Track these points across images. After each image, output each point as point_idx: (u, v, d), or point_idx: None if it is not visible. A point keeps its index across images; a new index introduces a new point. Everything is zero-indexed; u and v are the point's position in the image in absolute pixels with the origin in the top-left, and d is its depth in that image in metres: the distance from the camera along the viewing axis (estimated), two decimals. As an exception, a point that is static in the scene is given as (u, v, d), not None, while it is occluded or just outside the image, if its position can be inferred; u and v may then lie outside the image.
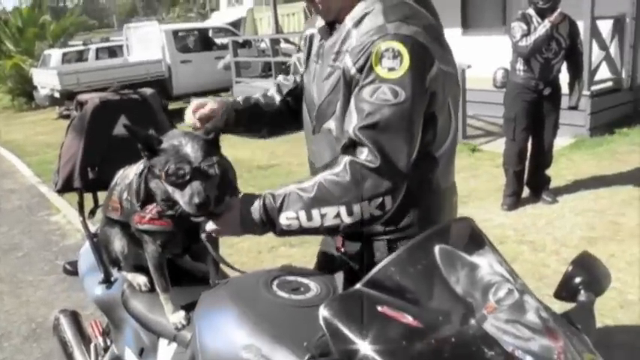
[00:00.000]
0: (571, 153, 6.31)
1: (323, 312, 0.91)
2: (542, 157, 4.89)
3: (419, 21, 1.30)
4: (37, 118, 13.84)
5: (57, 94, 12.27)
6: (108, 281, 1.83)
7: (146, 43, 12.51)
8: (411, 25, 1.27)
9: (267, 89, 1.72)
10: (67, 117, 13.17)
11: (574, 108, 4.94)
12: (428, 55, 1.27)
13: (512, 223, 4.47)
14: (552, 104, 4.74)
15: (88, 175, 1.99)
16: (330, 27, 1.45)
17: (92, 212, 2.11)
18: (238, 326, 1.16)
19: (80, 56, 15.29)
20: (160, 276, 1.57)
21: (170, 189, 1.33)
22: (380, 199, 1.25)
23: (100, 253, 1.86)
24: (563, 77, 4.81)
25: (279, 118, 1.71)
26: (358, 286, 0.92)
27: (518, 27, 4.56)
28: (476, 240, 1.02)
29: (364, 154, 1.25)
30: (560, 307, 1.24)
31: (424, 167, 1.39)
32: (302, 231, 1.31)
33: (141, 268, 1.70)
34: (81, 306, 3.62)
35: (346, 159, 1.27)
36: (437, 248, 0.95)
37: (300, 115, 1.62)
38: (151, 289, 1.66)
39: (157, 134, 1.36)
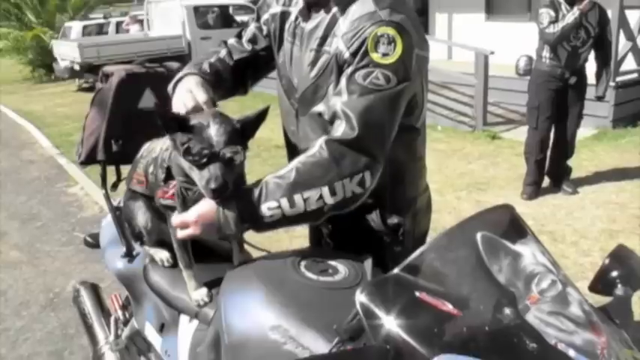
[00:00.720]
0: (593, 144, 6.22)
1: (359, 296, 0.88)
2: (565, 146, 4.81)
3: (403, 8, 1.35)
4: (57, 90, 13.88)
5: (77, 67, 12.31)
6: (130, 255, 1.82)
7: (167, 19, 12.49)
8: (400, 13, 1.32)
9: (217, 51, 1.66)
10: (86, 89, 13.24)
11: (600, 98, 4.84)
12: (411, 42, 1.32)
13: (531, 213, 4.41)
14: (577, 94, 4.66)
15: (112, 148, 1.97)
16: (309, 9, 1.45)
17: (114, 185, 2.09)
18: (266, 306, 1.14)
19: (100, 29, 15.31)
20: (183, 252, 1.54)
21: (187, 166, 1.30)
22: (360, 175, 1.28)
23: (123, 226, 1.85)
24: (590, 66, 4.70)
25: (231, 83, 1.67)
26: (396, 270, 0.90)
27: (546, 13, 4.46)
28: (518, 228, 0.99)
29: (341, 129, 1.28)
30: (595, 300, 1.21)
31: (409, 138, 1.50)
32: (285, 220, 1.28)
33: (163, 243, 1.68)
34: (98, 278, 3.64)
35: (321, 140, 1.30)
36: (479, 235, 0.92)
37: (242, 81, 1.68)
38: (173, 265, 1.65)
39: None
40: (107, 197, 2.02)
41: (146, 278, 1.69)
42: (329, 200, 1.27)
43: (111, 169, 2.09)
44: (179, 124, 1.29)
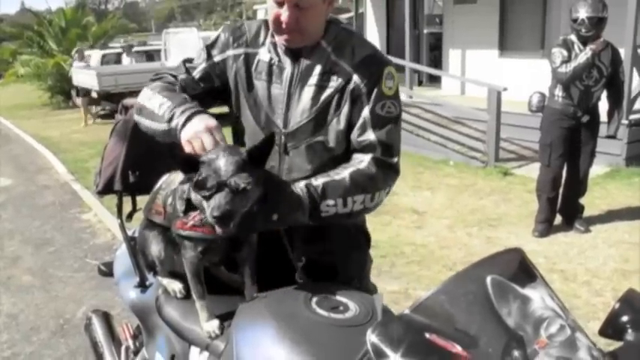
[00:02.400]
0: (605, 182, 6.20)
1: (370, 336, 0.90)
2: (577, 185, 4.81)
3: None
4: (74, 116, 14.10)
5: (95, 94, 12.51)
6: (143, 285, 1.84)
7: (184, 49, 12.69)
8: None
9: (173, 83, 1.66)
10: (103, 117, 13.45)
11: (613, 137, 4.85)
12: None
13: (543, 251, 4.39)
14: (590, 132, 4.67)
15: (129, 179, 2.01)
16: (296, 53, 1.58)
17: (130, 216, 2.12)
18: (277, 342, 1.16)
19: (118, 58, 15.60)
20: (196, 283, 1.57)
21: (198, 198, 1.35)
22: (389, 188, 1.58)
23: (137, 256, 1.88)
24: (602, 105, 4.73)
25: None
26: (407, 311, 0.91)
27: (558, 53, 4.50)
28: (527, 272, 1.00)
29: (382, 154, 1.55)
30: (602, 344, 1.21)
31: None
32: (336, 217, 1.49)
33: (176, 275, 1.71)
34: (109, 305, 3.67)
35: (368, 157, 1.55)
36: (489, 278, 0.94)
37: None
38: (186, 296, 1.67)
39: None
40: (122, 227, 2.05)
41: (158, 309, 1.71)
42: (368, 204, 1.53)
43: (127, 200, 2.13)
44: (193, 164, 1.35)
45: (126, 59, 14.71)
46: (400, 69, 9.92)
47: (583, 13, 4.38)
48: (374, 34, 11.81)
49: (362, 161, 1.54)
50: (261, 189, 1.38)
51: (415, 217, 5.25)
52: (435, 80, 10.76)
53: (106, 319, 2.19)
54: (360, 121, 1.56)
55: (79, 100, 13.36)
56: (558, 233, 4.76)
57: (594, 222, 4.95)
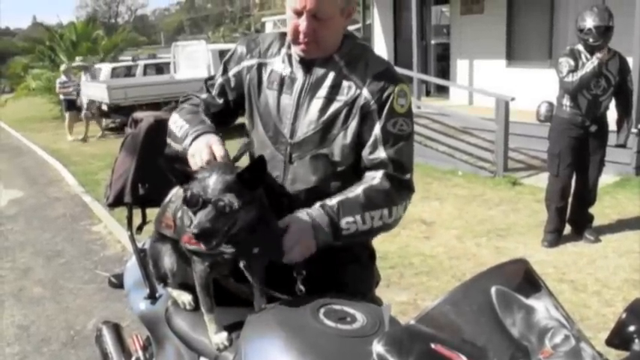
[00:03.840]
0: (615, 191, 6.17)
1: (377, 346, 0.91)
2: (586, 194, 4.79)
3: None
4: (84, 129, 14.21)
5: (105, 107, 12.62)
6: (153, 297, 1.86)
7: (193, 62, 12.82)
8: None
9: (197, 106, 1.74)
10: (112, 130, 13.55)
11: (622, 146, 4.83)
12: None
13: (552, 261, 4.37)
14: (598, 141, 4.66)
15: (139, 191, 2.03)
16: (309, 64, 1.60)
17: (140, 228, 2.15)
18: (285, 353, 1.17)
19: (128, 71, 15.74)
20: (205, 295, 1.58)
21: (189, 214, 1.38)
22: (405, 203, 1.59)
23: (147, 268, 1.90)
24: (611, 114, 4.72)
25: None
26: (412, 322, 0.92)
27: (565, 62, 4.50)
28: (532, 282, 1.01)
29: (396, 169, 1.56)
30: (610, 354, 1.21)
31: None
32: (357, 234, 1.51)
33: (186, 286, 1.73)
34: (119, 317, 3.68)
35: (380, 173, 1.55)
36: (493, 289, 0.95)
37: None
38: (195, 308, 1.68)
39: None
40: (132, 239, 2.07)
41: (168, 320, 1.73)
42: (387, 220, 1.54)
43: (137, 212, 2.16)
44: (187, 176, 1.38)
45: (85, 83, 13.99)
46: (408, 80, 9.96)
47: (590, 23, 4.38)
48: (381, 45, 11.85)
49: (374, 178, 1.55)
50: (253, 213, 1.39)
51: (424, 227, 5.25)
52: (442, 91, 10.77)
53: (117, 330, 2.21)
54: (372, 138, 1.57)
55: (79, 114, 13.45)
56: (567, 243, 4.74)
57: (604, 231, 4.92)
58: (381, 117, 1.55)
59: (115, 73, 15.37)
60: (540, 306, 0.95)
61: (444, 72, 10.74)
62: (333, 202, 1.50)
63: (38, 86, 17.00)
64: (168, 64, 15.41)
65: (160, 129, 2.05)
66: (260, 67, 1.68)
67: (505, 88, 7.50)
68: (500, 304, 0.93)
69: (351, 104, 1.57)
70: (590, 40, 4.40)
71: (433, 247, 4.74)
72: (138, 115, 2.19)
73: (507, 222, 5.38)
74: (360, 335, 1.25)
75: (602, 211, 5.35)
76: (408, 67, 9.58)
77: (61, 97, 13.23)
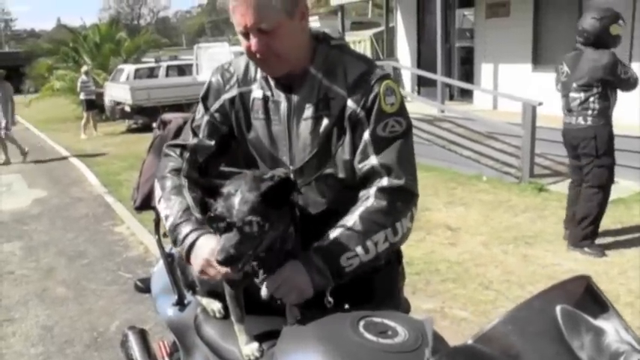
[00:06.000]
0: (646, 199, 6.01)
1: (432, 368, 0.84)
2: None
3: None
4: (107, 129, 14.36)
5: (128, 108, 12.72)
6: (181, 304, 1.82)
7: (215, 63, 12.73)
8: (377, 63, 1.54)
9: (179, 182, 1.60)
10: (135, 130, 13.65)
11: None
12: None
13: (582, 270, 4.24)
14: None
15: (167, 195, 1.99)
16: (288, 85, 1.50)
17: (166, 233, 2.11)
18: (325, 368, 1.11)
19: (151, 73, 15.85)
20: (235, 306, 1.53)
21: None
22: (410, 212, 1.46)
23: (175, 274, 1.85)
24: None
25: None
26: (470, 341, 0.86)
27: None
28: (598, 301, 0.94)
29: (386, 179, 1.43)
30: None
31: None
32: (362, 266, 1.40)
33: (216, 294, 1.68)
34: (142, 319, 3.67)
35: (372, 190, 1.43)
36: (558, 308, 0.88)
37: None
38: (225, 316, 1.63)
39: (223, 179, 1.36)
40: (160, 244, 2.03)
41: (197, 328, 1.68)
42: (393, 239, 1.42)
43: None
44: (211, 189, 1.33)
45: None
46: (432, 83, 9.85)
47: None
48: (404, 48, 11.76)
49: (368, 197, 1.43)
50: (279, 231, 1.34)
51: (449, 233, 5.15)
52: (466, 95, 10.64)
53: (142, 336, 2.17)
54: (361, 145, 1.45)
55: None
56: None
57: (635, 242, 4.78)
58: (370, 121, 1.44)
59: (137, 74, 15.48)
60: (609, 327, 0.88)
61: (468, 76, 10.61)
62: (326, 241, 1.39)
63: (62, 87, 17.24)
64: (190, 65, 15.52)
65: (189, 131, 2.02)
66: (242, 97, 1.57)
67: (530, 93, 7.36)
68: (566, 325, 0.86)
69: (339, 118, 1.46)
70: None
71: (459, 254, 4.65)
72: (166, 116, 2.15)
73: (534, 229, 5.26)
74: (403, 350, 1.19)
75: (631, 219, 5.23)
76: (432, 70, 9.48)
77: (82, 97, 13.39)
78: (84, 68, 14.12)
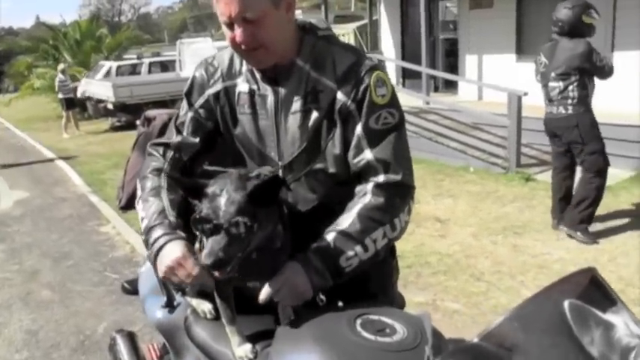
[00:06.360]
0: (631, 186, 6.04)
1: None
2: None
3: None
4: (89, 127, 14.19)
5: (110, 106, 12.57)
6: (171, 305, 1.76)
7: (199, 59, 12.63)
8: (366, 54, 1.50)
9: (159, 183, 1.55)
10: (117, 128, 13.50)
11: None
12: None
13: (573, 259, 4.26)
14: None
15: (153, 193, 1.93)
16: (274, 77, 1.46)
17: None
18: (323, 370, 1.07)
19: (133, 69, 15.67)
20: (226, 307, 1.48)
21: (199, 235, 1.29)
22: (408, 206, 1.44)
23: (163, 274, 1.80)
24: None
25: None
26: (475, 339, 0.82)
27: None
28: (605, 295, 0.90)
29: (383, 174, 1.40)
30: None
31: None
32: (362, 265, 1.38)
33: (206, 294, 1.63)
34: (129, 321, 3.61)
35: (369, 186, 1.40)
36: (566, 303, 0.84)
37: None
38: (216, 317, 1.59)
39: (207, 178, 1.30)
40: (147, 244, 1.97)
41: (187, 330, 1.63)
42: (391, 235, 1.40)
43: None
44: (197, 192, 1.27)
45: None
46: (416, 75, 9.83)
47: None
48: (388, 41, 11.73)
49: (365, 194, 1.40)
50: (268, 230, 1.29)
51: (438, 225, 5.14)
52: (450, 86, 10.65)
53: (131, 339, 2.11)
54: (355, 140, 1.41)
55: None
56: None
57: (623, 228, 4.81)
58: (362, 115, 1.40)
59: (120, 71, 15.30)
60: (619, 321, 0.85)
61: (452, 67, 10.61)
62: (324, 242, 1.35)
63: (42, 85, 17.01)
64: (173, 61, 15.36)
65: (174, 127, 1.96)
66: (227, 91, 1.52)
67: (515, 83, 7.37)
68: (575, 321, 0.83)
69: (329, 111, 1.42)
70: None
71: (449, 246, 4.63)
72: (150, 113, 2.10)
73: (523, 219, 5.27)
74: (403, 349, 1.15)
75: (618, 207, 5.25)
76: (416, 62, 9.46)
77: (60, 96, 13.21)
78: (60, 66, 13.92)
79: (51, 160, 10.50)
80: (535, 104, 6.80)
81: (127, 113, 12.72)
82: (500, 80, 8.06)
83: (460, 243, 4.70)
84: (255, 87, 1.49)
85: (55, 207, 7.09)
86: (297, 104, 1.44)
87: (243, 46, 1.36)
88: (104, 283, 4.44)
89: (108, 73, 14.99)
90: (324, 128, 1.44)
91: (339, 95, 1.41)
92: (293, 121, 1.45)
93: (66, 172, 9.18)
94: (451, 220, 5.29)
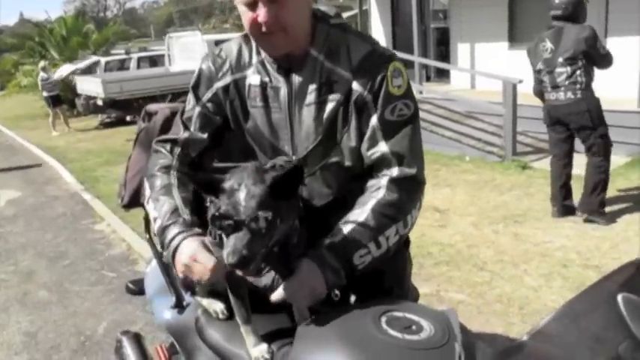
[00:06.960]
0: (628, 172, 6.04)
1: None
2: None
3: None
4: (79, 125, 14.02)
5: (100, 102, 12.43)
6: (180, 306, 1.71)
7: (188, 53, 12.60)
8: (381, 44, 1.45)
9: (170, 182, 1.50)
10: (107, 125, 13.35)
11: None
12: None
13: (575, 246, 4.24)
14: None
15: (157, 190, 1.87)
16: (288, 69, 1.41)
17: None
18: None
19: (122, 65, 15.51)
20: (240, 306, 1.42)
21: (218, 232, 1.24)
22: (420, 201, 1.41)
23: (170, 274, 1.74)
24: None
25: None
26: (525, 337, 0.77)
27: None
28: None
29: (400, 168, 1.36)
30: None
31: None
32: (373, 261, 1.34)
33: (217, 294, 1.57)
34: (130, 320, 3.56)
35: (383, 181, 1.36)
36: (620, 297, 0.79)
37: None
38: (229, 317, 1.53)
39: (220, 174, 1.23)
40: (152, 243, 1.91)
41: (199, 332, 1.57)
42: (403, 231, 1.36)
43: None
44: (211, 184, 1.21)
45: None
46: (408, 65, 9.78)
47: None
48: (379, 31, 11.65)
49: (379, 188, 1.36)
50: (289, 222, 1.24)
51: (438, 215, 5.11)
52: (443, 75, 10.60)
53: (138, 340, 2.05)
54: (369, 131, 1.37)
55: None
56: (587, 226, 4.60)
57: (622, 214, 4.79)
58: (377, 105, 1.36)
59: (108, 67, 15.13)
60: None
61: (444, 56, 10.56)
62: (338, 237, 1.31)
63: (29, 83, 16.78)
64: (161, 56, 15.21)
65: (176, 121, 1.90)
66: (237, 84, 1.47)
67: (508, 71, 7.34)
68: (631, 315, 0.78)
69: (345, 102, 1.37)
70: None
71: (450, 236, 4.60)
72: (151, 107, 2.03)
73: (522, 207, 5.24)
74: (431, 346, 1.10)
75: (616, 193, 5.24)
76: (408, 52, 9.40)
77: (45, 94, 13.04)
78: (41, 64, 13.72)
79: (38, 165, 10.36)
80: (528, 92, 6.78)
81: (117, 109, 12.58)
82: (493, 68, 8.04)
83: (461, 233, 4.67)
84: (266, 79, 1.43)
85: (47, 206, 6.98)
86: (311, 96, 1.39)
87: (263, 28, 1.31)
88: (102, 282, 4.37)
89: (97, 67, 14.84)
90: (339, 120, 1.39)
91: (355, 85, 1.36)
92: (307, 113, 1.40)
93: (57, 170, 9.05)
94: (450, 210, 5.26)
